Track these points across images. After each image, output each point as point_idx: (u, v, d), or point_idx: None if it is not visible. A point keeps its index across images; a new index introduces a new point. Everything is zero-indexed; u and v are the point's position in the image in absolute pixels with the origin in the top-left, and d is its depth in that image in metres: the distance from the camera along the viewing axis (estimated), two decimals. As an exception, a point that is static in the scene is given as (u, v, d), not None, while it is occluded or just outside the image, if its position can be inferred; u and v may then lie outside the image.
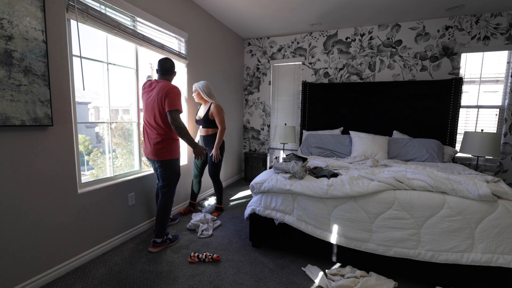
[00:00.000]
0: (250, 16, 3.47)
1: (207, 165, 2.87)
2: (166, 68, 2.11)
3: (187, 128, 2.06)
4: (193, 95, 2.80)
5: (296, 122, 4.32)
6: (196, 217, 2.64)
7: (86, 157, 2.59)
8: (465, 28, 3.29)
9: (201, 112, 2.78)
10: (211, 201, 3.17)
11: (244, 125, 4.72)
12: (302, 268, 1.92)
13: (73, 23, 1.81)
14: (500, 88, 3.27)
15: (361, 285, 1.68)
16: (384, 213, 1.78)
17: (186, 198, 3.12)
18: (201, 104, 2.87)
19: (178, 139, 2.18)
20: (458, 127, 3.35)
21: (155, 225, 2.22)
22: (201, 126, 2.78)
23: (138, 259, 2.02)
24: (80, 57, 1.83)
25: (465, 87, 3.39)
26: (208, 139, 2.75)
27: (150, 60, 2.53)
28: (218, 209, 2.96)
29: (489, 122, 3.32)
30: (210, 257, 2.00)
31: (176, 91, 2.01)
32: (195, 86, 2.75)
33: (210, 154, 2.74)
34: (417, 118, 3.44)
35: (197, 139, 3.07)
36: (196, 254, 2.02)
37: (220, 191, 2.93)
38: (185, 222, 2.71)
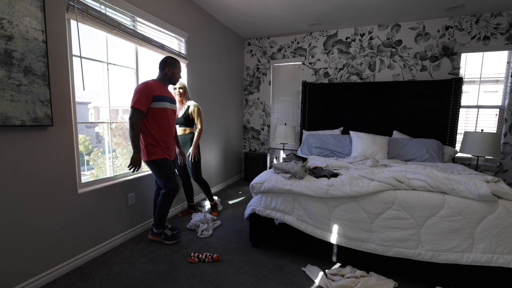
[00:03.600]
0: (250, 16, 3.47)
1: (187, 167, 2.79)
2: (159, 64, 2.15)
3: (138, 130, 1.94)
4: (177, 91, 2.66)
5: (296, 122, 4.32)
6: (196, 217, 2.64)
7: (86, 157, 2.59)
8: (465, 28, 3.29)
9: (179, 111, 2.70)
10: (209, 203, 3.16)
11: (244, 125, 4.73)
12: (302, 268, 1.92)
13: (73, 23, 1.81)
14: (500, 88, 3.27)
15: (361, 285, 1.68)
16: (384, 213, 1.78)
17: (183, 199, 3.12)
18: None
19: (153, 141, 2.07)
20: (458, 127, 3.35)
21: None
22: (177, 125, 2.71)
23: (138, 259, 2.02)
24: (80, 57, 1.83)
25: (465, 87, 3.39)
26: (185, 138, 2.72)
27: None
28: (213, 207, 2.95)
29: (489, 122, 3.32)
30: (210, 257, 2.00)
31: (138, 88, 1.97)
32: (183, 83, 2.68)
33: (188, 154, 2.69)
34: (417, 118, 3.44)
35: None
36: (196, 254, 2.02)
37: (207, 189, 2.87)
38: (185, 222, 2.71)
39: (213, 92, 3.64)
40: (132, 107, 1.93)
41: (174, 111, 2.27)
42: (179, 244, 2.26)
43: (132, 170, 2.01)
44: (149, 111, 2.03)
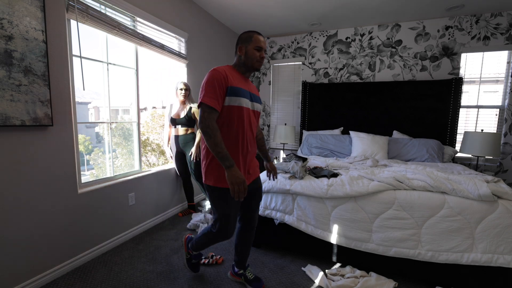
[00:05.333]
0: (250, 16, 3.47)
1: (189, 167, 2.79)
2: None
3: (217, 136, 1.29)
4: (181, 92, 2.66)
5: (296, 122, 4.32)
6: (196, 217, 2.65)
7: (86, 157, 2.59)
8: (465, 28, 3.29)
9: (181, 112, 2.71)
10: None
11: (244, 125, 4.72)
12: (302, 268, 1.92)
13: (73, 23, 1.81)
14: (500, 88, 3.27)
15: (361, 285, 1.68)
16: (384, 213, 1.78)
17: (183, 199, 3.12)
18: (172, 104, 2.79)
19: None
20: (458, 127, 3.35)
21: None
22: (179, 126, 2.71)
23: (138, 259, 2.02)
24: (80, 57, 1.83)
25: (465, 87, 3.39)
26: (187, 138, 2.72)
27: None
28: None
29: (489, 122, 3.32)
30: (215, 261, 1.97)
31: (207, 76, 1.33)
32: (188, 85, 2.72)
33: (190, 153, 2.69)
34: (417, 118, 3.44)
35: (169, 140, 2.91)
36: None
37: None
38: (185, 222, 2.71)
39: (213, 92, 3.64)
40: (201, 103, 1.30)
41: (256, 113, 1.52)
42: (179, 244, 2.26)
43: (237, 197, 1.27)
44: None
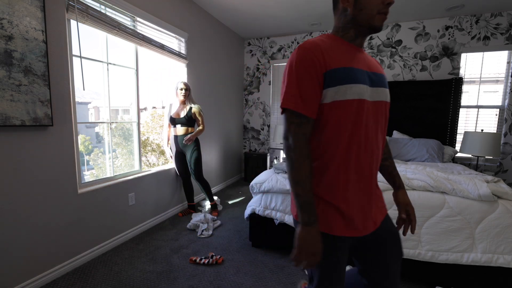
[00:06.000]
0: (250, 16, 3.47)
1: (189, 167, 2.79)
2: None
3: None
4: (181, 92, 2.65)
5: (296, 122, 4.31)
6: (196, 217, 2.64)
7: (86, 157, 2.59)
8: (465, 28, 3.29)
9: (181, 111, 2.70)
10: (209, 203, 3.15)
11: (244, 125, 4.72)
12: (302, 268, 1.92)
13: (73, 23, 1.81)
14: (500, 88, 3.27)
15: (361, 285, 1.68)
16: (384, 213, 1.77)
17: (183, 199, 3.12)
18: (171, 104, 2.79)
19: (316, 186, 0.83)
20: (458, 127, 3.35)
21: None
22: (178, 126, 2.70)
23: (138, 259, 2.02)
24: (80, 57, 1.83)
25: (465, 87, 3.39)
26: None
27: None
28: (213, 207, 2.95)
29: (489, 122, 3.32)
30: (215, 261, 1.97)
31: (291, 61, 0.79)
32: (188, 85, 2.72)
33: (189, 154, 2.71)
34: (417, 118, 3.44)
35: (168, 140, 2.92)
36: (199, 258, 1.98)
37: (207, 189, 2.86)
38: (185, 222, 2.71)
39: (213, 92, 3.64)
40: (285, 108, 0.79)
41: (383, 105, 0.85)
42: (179, 244, 2.26)
43: (298, 265, 0.78)
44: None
